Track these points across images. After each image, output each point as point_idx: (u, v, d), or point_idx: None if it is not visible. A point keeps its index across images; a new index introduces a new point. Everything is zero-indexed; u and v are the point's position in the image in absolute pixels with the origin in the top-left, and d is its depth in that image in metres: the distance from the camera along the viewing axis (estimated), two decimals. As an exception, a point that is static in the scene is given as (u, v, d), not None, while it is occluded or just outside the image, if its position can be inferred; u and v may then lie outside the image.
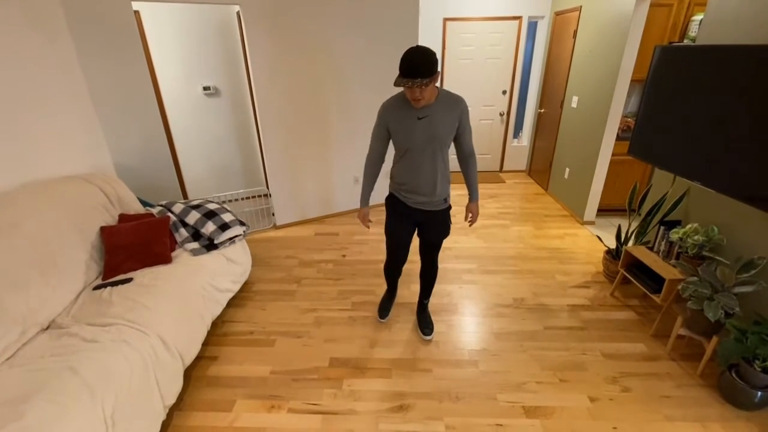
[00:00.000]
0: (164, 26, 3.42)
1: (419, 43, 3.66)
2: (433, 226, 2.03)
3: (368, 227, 2.10)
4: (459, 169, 2.01)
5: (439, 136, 1.76)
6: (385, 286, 2.58)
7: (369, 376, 2.01)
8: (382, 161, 2.00)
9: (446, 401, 1.85)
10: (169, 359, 1.72)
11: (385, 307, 2.45)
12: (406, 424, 1.74)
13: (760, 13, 1.90)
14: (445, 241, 2.09)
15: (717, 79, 1.90)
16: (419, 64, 1.54)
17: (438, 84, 1.76)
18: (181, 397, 1.85)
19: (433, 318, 2.36)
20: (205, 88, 3.71)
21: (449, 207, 2.01)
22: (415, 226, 2.07)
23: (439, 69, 1.60)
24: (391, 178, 2.00)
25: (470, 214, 2.05)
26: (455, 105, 1.78)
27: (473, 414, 1.79)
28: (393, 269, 2.30)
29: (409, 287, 2.72)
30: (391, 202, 2.04)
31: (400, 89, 1.72)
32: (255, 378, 2.00)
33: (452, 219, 2.06)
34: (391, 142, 1.91)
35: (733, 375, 1.78)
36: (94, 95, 2.73)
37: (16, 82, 2.10)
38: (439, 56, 4.58)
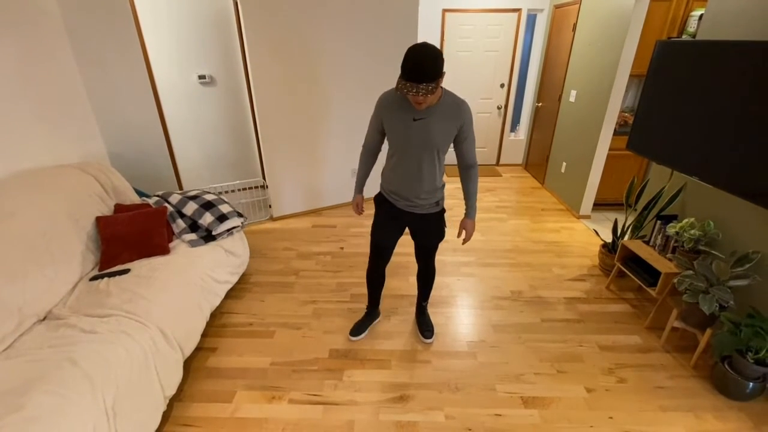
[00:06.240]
0: (159, 13, 3.34)
1: (418, 33, 3.65)
2: (424, 230, 1.94)
3: (360, 213, 1.99)
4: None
5: (433, 143, 1.64)
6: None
7: (369, 367, 2.02)
8: (379, 150, 1.91)
9: (446, 392, 1.87)
10: (168, 350, 1.71)
11: (360, 324, 2.25)
12: (406, 414, 1.76)
13: (763, 8, 1.91)
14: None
15: (718, 75, 1.91)
16: (426, 67, 1.35)
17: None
18: (181, 388, 1.84)
19: (431, 310, 2.37)
20: (200, 77, 3.64)
21: (443, 210, 1.91)
22: (403, 228, 1.96)
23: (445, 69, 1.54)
24: (382, 177, 1.90)
25: (464, 231, 1.89)
26: (458, 111, 1.62)
27: (472, 404, 1.81)
28: (374, 272, 2.12)
29: (407, 279, 2.73)
30: (380, 200, 1.93)
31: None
32: (255, 369, 2.00)
33: (447, 223, 1.95)
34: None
35: (726, 366, 1.82)
36: (87, 82, 2.67)
37: (5, 69, 2.04)
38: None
